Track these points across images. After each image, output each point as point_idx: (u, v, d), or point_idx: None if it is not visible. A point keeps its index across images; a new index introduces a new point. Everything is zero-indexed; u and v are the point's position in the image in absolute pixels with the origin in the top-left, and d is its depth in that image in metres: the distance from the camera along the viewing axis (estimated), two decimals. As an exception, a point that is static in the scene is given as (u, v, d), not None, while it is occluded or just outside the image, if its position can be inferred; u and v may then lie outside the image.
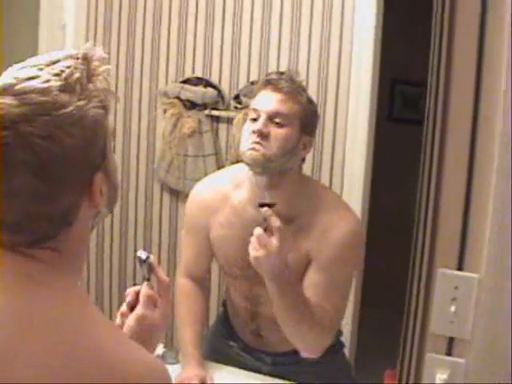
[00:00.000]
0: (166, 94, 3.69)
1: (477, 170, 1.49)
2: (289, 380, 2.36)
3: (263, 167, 2.17)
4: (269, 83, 2.22)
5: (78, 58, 1.17)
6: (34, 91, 1.10)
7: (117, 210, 3.94)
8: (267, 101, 2.19)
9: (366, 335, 3.87)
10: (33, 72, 1.13)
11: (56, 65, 1.15)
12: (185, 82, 3.66)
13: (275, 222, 1.99)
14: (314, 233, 2.23)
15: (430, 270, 1.56)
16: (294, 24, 3.45)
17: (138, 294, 1.41)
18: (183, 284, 2.49)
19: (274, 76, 2.26)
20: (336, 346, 2.53)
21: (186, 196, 2.56)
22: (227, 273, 2.45)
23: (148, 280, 1.41)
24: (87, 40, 3.83)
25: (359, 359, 3.64)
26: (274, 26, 3.49)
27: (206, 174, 2.90)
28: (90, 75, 1.17)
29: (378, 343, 4.14)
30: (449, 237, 1.53)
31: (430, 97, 1.50)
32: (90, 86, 1.16)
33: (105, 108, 1.18)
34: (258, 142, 2.15)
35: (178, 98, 3.64)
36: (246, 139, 2.19)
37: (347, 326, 3.35)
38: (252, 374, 2.40)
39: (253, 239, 2.02)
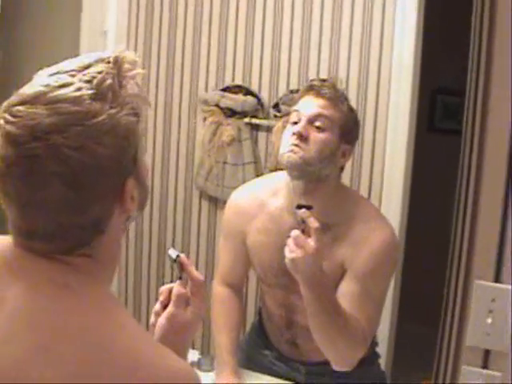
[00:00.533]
0: (205, 102, 3.70)
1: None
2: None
3: (300, 170, 2.17)
4: (312, 89, 2.25)
5: (109, 62, 1.15)
6: (65, 100, 1.07)
7: (155, 216, 3.96)
8: (309, 105, 2.22)
9: (401, 347, 3.84)
10: (64, 79, 1.10)
11: (87, 70, 1.12)
12: (224, 89, 3.67)
13: (313, 223, 1.98)
14: (350, 242, 2.23)
15: (467, 281, 1.54)
16: (333, 33, 3.44)
17: (171, 292, 1.39)
18: (220, 292, 2.50)
19: (317, 82, 2.29)
20: (371, 357, 2.52)
21: (225, 203, 2.56)
22: (263, 280, 2.45)
23: (180, 278, 1.39)
24: (128, 47, 3.85)
25: (395, 371, 3.61)
26: (313, 34, 3.48)
27: (244, 182, 2.90)
28: (121, 80, 1.15)
29: (413, 355, 4.10)
30: (486, 248, 1.51)
31: (468, 107, 1.49)
32: (122, 91, 1.13)
33: (137, 115, 1.16)
34: (296, 145, 2.16)
35: (217, 105, 3.65)
36: (286, 142, 2.21)
37: (384, 337, 3.32)
38: (287, 383, 2.39)
39: (289, 241, 2.00)
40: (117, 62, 1.15)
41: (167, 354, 1.13)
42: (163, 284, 4.09)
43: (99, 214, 1.13)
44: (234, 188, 2.64)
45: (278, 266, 2.25)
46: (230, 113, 3.64)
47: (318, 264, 2.01)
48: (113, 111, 1.10)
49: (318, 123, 2.18)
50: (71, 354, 1.04)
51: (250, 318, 3.47)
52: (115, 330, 1.10)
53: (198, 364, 2.41)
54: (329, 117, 2.19)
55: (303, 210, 2.00)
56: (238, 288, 2.53)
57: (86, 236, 1.14)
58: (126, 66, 1.17)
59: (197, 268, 4.13)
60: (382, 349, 2.98)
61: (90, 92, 1.09)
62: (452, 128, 4.96)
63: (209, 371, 2.37)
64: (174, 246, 3.91)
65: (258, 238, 2.35)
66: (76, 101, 1.08)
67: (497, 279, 1.52)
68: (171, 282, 1.43)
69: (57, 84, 1.10)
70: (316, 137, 2.18)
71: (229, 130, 3.62)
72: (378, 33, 3.35)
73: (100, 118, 1.08)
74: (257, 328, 2.63)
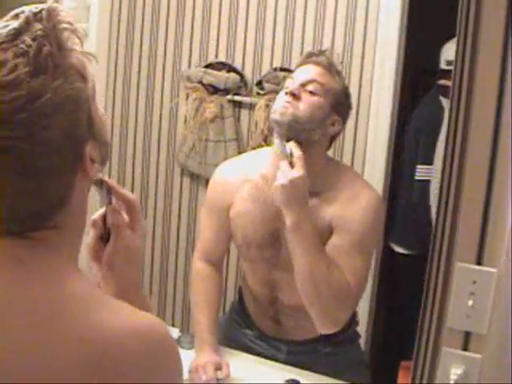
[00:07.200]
0: (188, 79, 3.68)
1: (499, 164, 1.47)
2: (303, 369, 2.34)
3: (289, 126, 2.19)
4: (309, 57, 2.31)
5: (42, 20, 1.02)
6: (2, 86, 0.97)
7: (137, 193, 3.94)
8: (305, 72, 2.27)
9: (381, 327, 3.86)
10: None
11: (20, 38, 1.00)
12: (208, 66, 3.65)
13: (297, 151, 2.10)
14: (337, 204, 2.26)
15: (449, 263, 1.54)
16: (318, 11, 3.43)
17: (104, 221, 1.27)
18: (200, 268, 2.48)
19: (316, 51, 2.37)
20: (352, 336, 2.52)
21: (207, 181, 2.55)
22: (245, 256, 2.43)
23: (110, 203, 1.26)
24: (111, 22, 3.82)
25: (373, 351, 3.63)
26: (298, 11, 3.47)
27: (226, 159, 2.89)
28: (59, 38, 1.03)
29: (393, 335, 4.12)
30: (468, 231, 1.51)
31: (454, 86, 1.48)
32: (63, 53, 1.03)
33: (83, 77, 1.06)
34: (288, 102, 2.21)
35: (200, 82, 3.63)
36: (279, 101, 2.25)
37: (363, 317, 3.33)
38: (268, 361, 2.38)
39: (278, 172, 2.10)
40: (50, 17, 1.03)
41: (122, 311, 1.06)
42: (152, 263, 4.03)
43: (61, 190, 1.07)
44: (216, 165, 2.63)
45: (262, 236, 2.26)
46: (213, 90, 3.62)
47: (301, 191, 2.09)
48: (57, 83, 1.00)
49: (310, 87, 2.22)
50: (16, 335, 0.98)
51: (230, 297, 3.47)
52: (62, 301, 1.03)
53: (177, 342, 2.40)
54: (323, 83, 2.23)
55: (292, 141, 2.14)
56: (218, 265, 2.52)
57: (48, 213, 1.07)
58: (61, 18, 1.05)
59: (177, 245, 4.08)
60: (361, 329, 2.98)
61: (27, 69, 0.98)
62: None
63: (189, 349, 2.37)
64: (154, 223, 3.90)
65: (243, 207, 2.34)
66: (14, 84, 0.97)
67: (478, 262, 1.52)
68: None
69: None
70: (307, 98, 2.21)
71: (211, 106, 3.61)
72: (362, 11, 3.35)
73: (44, 98, 0.99)
74: (236, 308, 2.63)
